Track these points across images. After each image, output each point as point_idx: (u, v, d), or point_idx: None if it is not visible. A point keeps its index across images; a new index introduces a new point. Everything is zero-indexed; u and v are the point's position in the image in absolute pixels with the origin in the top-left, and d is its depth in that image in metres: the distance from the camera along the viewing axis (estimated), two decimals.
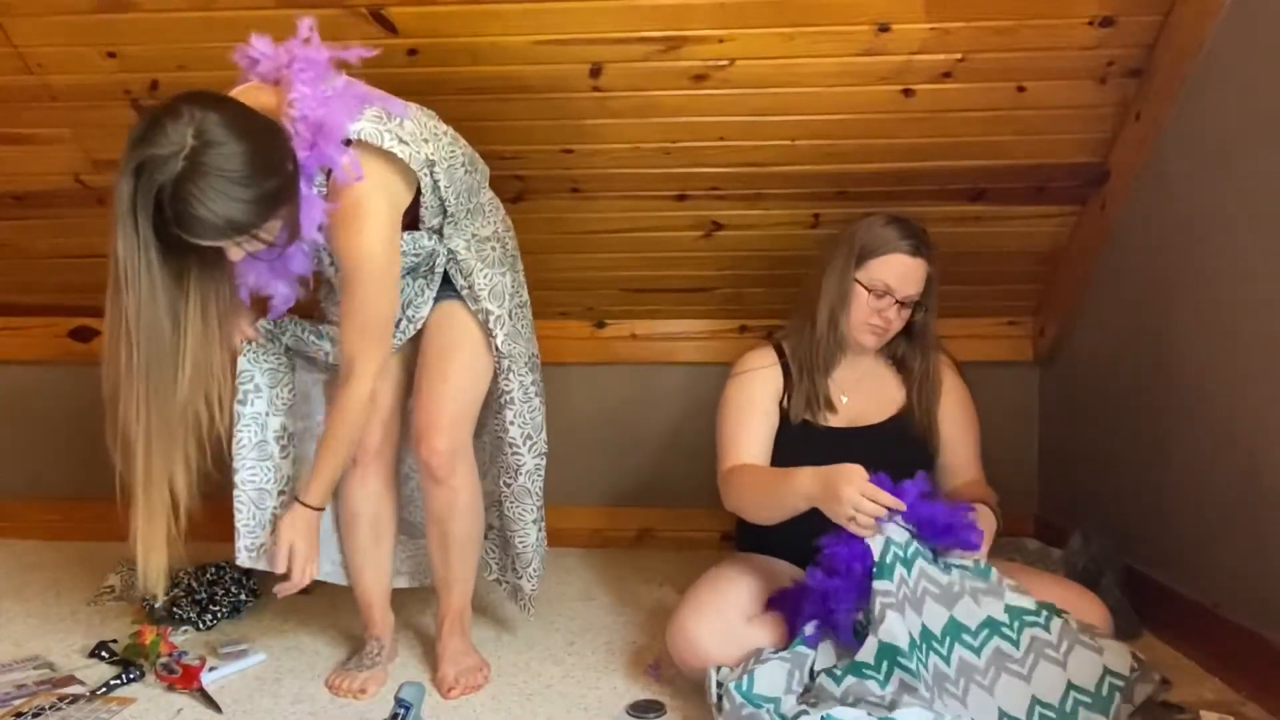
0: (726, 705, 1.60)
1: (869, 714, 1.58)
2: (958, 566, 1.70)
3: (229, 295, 1.68)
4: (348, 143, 1.62)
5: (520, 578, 2.04)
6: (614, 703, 1.81)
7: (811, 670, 1.66)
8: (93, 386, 2.93)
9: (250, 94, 1.63)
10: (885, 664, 1.59)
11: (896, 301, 1.94)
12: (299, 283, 1.80)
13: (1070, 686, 1.58)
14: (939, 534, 1.68)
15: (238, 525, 1.87)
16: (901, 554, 1.63)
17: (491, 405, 1.95)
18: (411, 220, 1.77)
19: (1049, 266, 2.54)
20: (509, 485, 1.96)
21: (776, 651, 1.71)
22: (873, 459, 1.90)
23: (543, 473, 1.99)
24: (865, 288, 1.94)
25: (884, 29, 2.00)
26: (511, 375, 1.90)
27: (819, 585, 1.67)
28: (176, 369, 1.58)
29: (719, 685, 1.67)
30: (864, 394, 2.04)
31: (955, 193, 2.35)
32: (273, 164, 1.52)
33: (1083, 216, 2.38)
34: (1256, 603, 1.79)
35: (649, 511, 2.85)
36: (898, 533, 1.64)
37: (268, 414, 1.89)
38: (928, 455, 2.03)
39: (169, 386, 1.57)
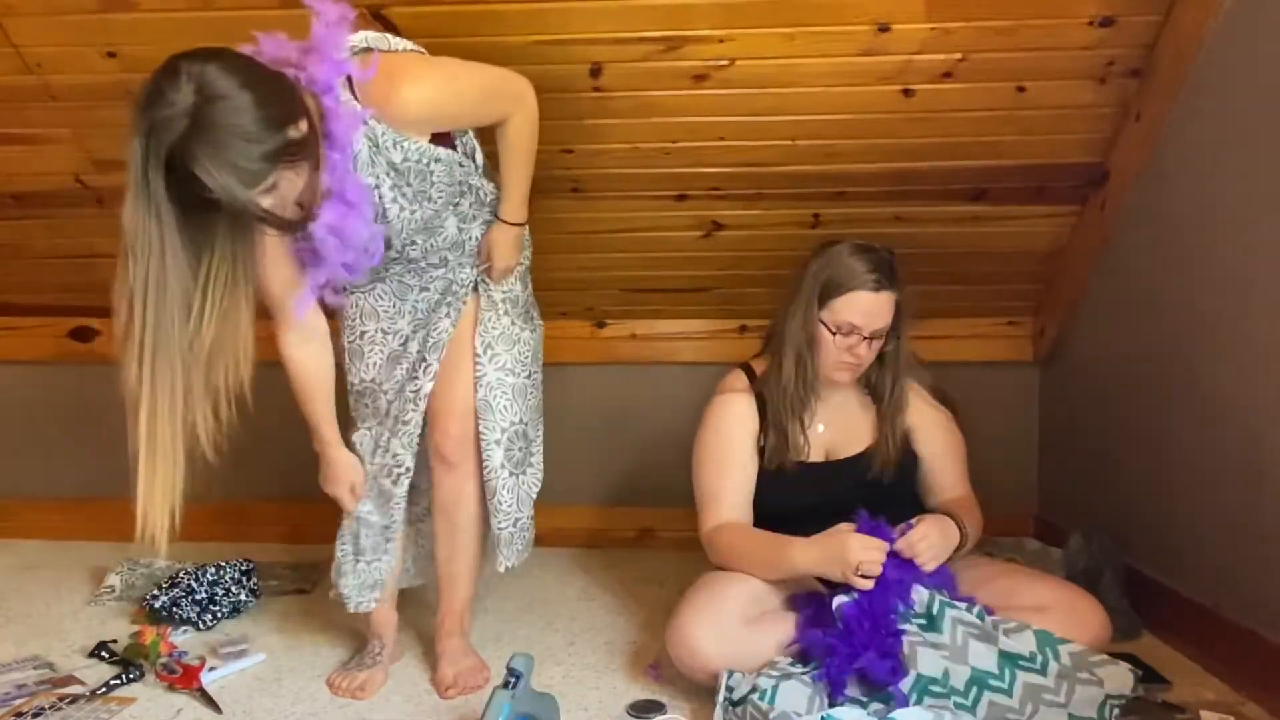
0: (751, 712, 1.61)
1: (869, 714, 1.58)
2: (950, 607, 1.70)
3: (255, 250, 1.64)
4: (355, 54, 1.63)
5: (494, 516, 1.93)
6: (614, 703, 1.81)
7: (831, 697, 1.66)
8: (93, 386, 2.95)
9: None
10: (916, 694, 1.62)
11: (865, 338, 1.89)
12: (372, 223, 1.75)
13: (1071, 718, 1.59)
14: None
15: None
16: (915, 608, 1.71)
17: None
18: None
19: (1049, 266, 2.54)
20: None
21: (793, 663, 1.72)
22: (849, 492, 1.90)
23: (507, 390, 1.90)
24: (830, 329, 1.90)
25: (884, 29, 2.00)
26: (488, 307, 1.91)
27: (822, 640, 1.70)
28: (192, 328, 1.53)
29: (730, 690, 1.67)
30: (841, 424, 2.02)
31: (955, 193, 2.35)
32: (282, 112, 1.47)
33: (1083, 216, 2.38)
34: (1256, 603, 1.79)
35: (649, 511, 2.86)
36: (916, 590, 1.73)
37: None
38: (903, 484, 2.01)
39: (176, 346, 1.52)
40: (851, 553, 1.71)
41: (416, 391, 1.88)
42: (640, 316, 2.79)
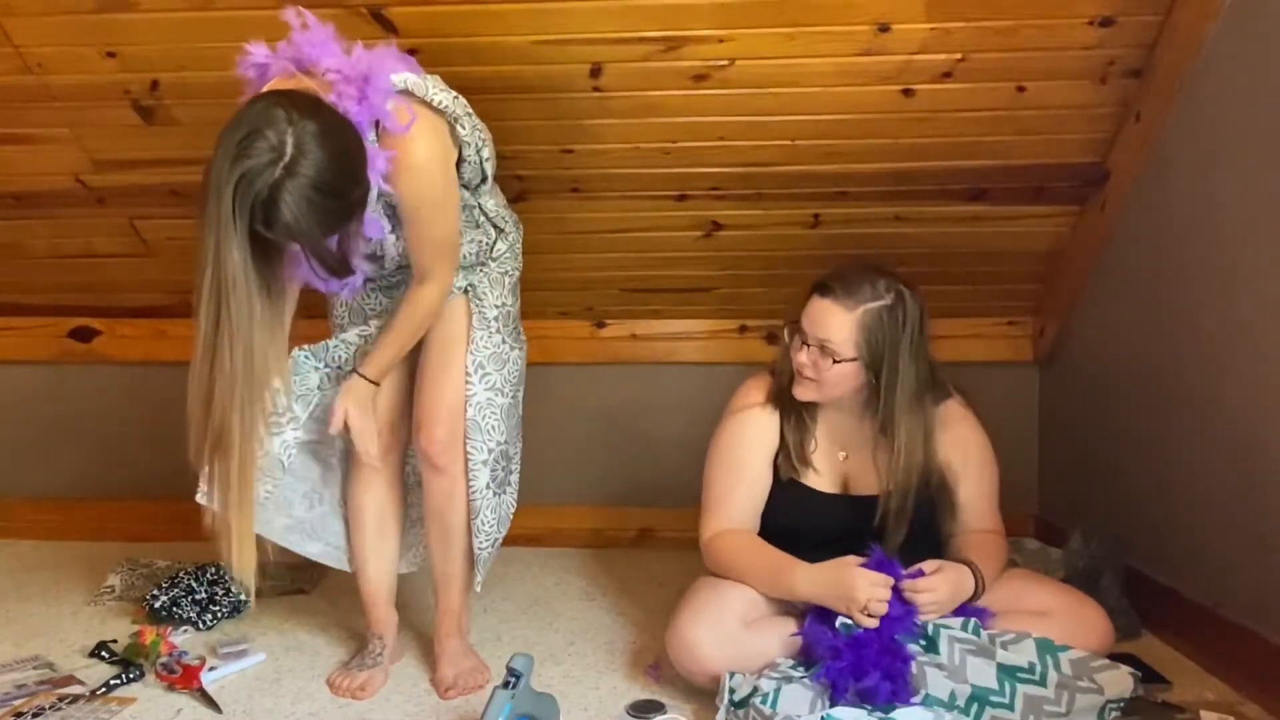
0: (753, 715, 1.61)
1: (869, 714, 1.58)
2: (945, 628, 1.69)
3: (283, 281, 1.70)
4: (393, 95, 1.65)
5: (476, 536, 1.92)
6: (614, 703, 1.81)
7: (832, 698, 1.66)
8: (93, 387, 2.95)
9: (283, 85, 1.62)
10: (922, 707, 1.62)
11: (806, 344, 1.84)
12: (370, 256, 1.82)
13: None
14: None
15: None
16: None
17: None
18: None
19: (1049, 266, 2.54)
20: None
21: (795, 666, 1.72)
22: (864, 526, 1.87)
23: (495, 410, 1.90)
24: (791, 330, 1.90)
25: (884, 29, 1.99)
26: (475, 314, 1.91)
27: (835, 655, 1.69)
28: (268, 368, 1.60)
29: (731, 690, 1.67)
30: (866, 458, 1.93)
31: (955, 193, 2.34)
32: (357, 174, 1.57)
33: (1083, 216, 2.38)
34: (1256, 603, 1.79)
35: (649, 511, 2.85)
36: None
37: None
38: (925, 521, 1.92)
39: (264, 388, 1.60)
40: (859, 591, 1.69)
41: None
42: (640, 316, 2.79)
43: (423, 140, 1.68)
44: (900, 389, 1.84)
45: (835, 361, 1.82)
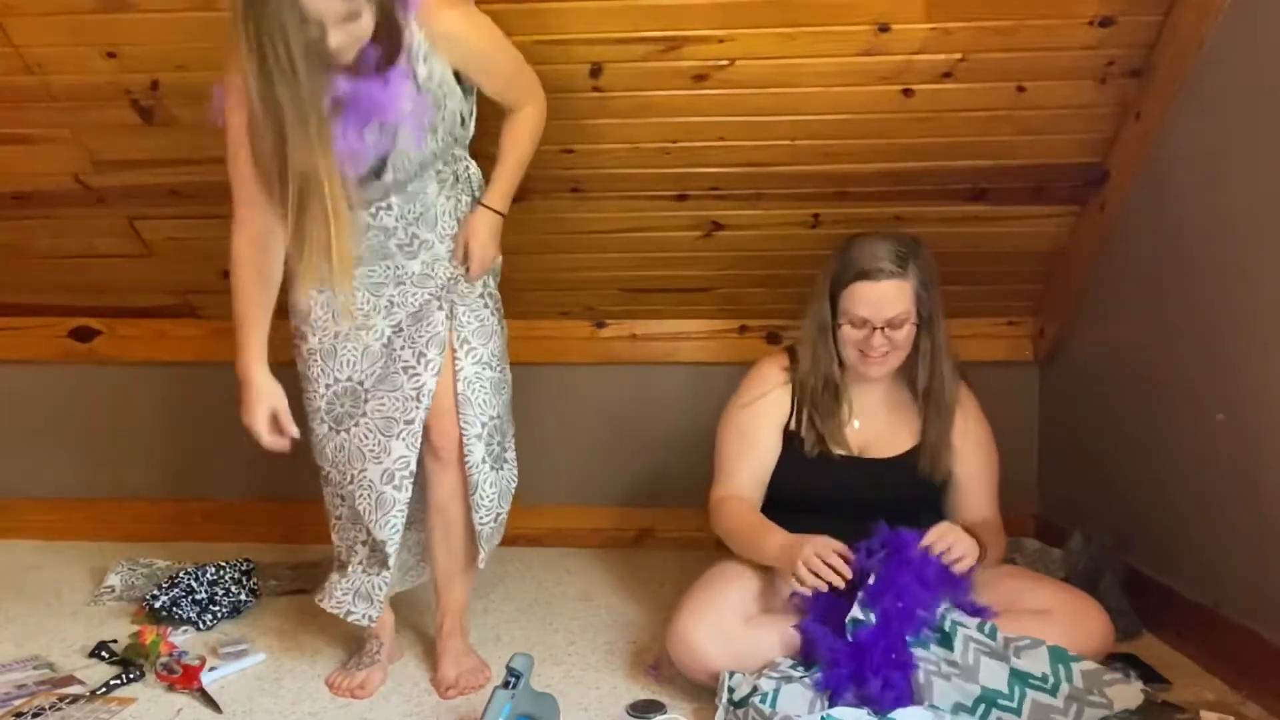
0: (753, 715, 1.61)
1: (869, 714, 1.58)
2: (961, 625, 1.68)
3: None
4: None
5: (476, 511, 1.91)
6: (614, 703, 1.81)
7: (831, 699, 1.65)
8: (92, 386, 2.95)
9: None
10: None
11: (876, 328, 1.86)
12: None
13: None
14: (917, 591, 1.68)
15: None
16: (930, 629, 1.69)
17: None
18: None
19: (1049, 266, 2.54)
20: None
21: (794, 665, 1.72)
22: (877, 493, 1.89)
23: (485, 384, 1.89)
24: (840, 320, 1.89)
25: (884, 29, 2.00)
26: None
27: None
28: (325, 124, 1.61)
29: (731, 690, 1.67)
30: (881, 421, 1.97)
31: (955, 193, 2.35)
32: None
33: (1083, 216, 2.38)
34: (1256, 603, 1.79)
35: (649, 511, 2.86)
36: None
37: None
38: (935, 494, 1.96)
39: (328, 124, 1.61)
40: (803, 550, 1.70)
41: (419, 388, 1.84)
42: (640, 316, 2.79)
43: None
44: (939, 333, 1.91)
45: (906, 325, 1.86)
